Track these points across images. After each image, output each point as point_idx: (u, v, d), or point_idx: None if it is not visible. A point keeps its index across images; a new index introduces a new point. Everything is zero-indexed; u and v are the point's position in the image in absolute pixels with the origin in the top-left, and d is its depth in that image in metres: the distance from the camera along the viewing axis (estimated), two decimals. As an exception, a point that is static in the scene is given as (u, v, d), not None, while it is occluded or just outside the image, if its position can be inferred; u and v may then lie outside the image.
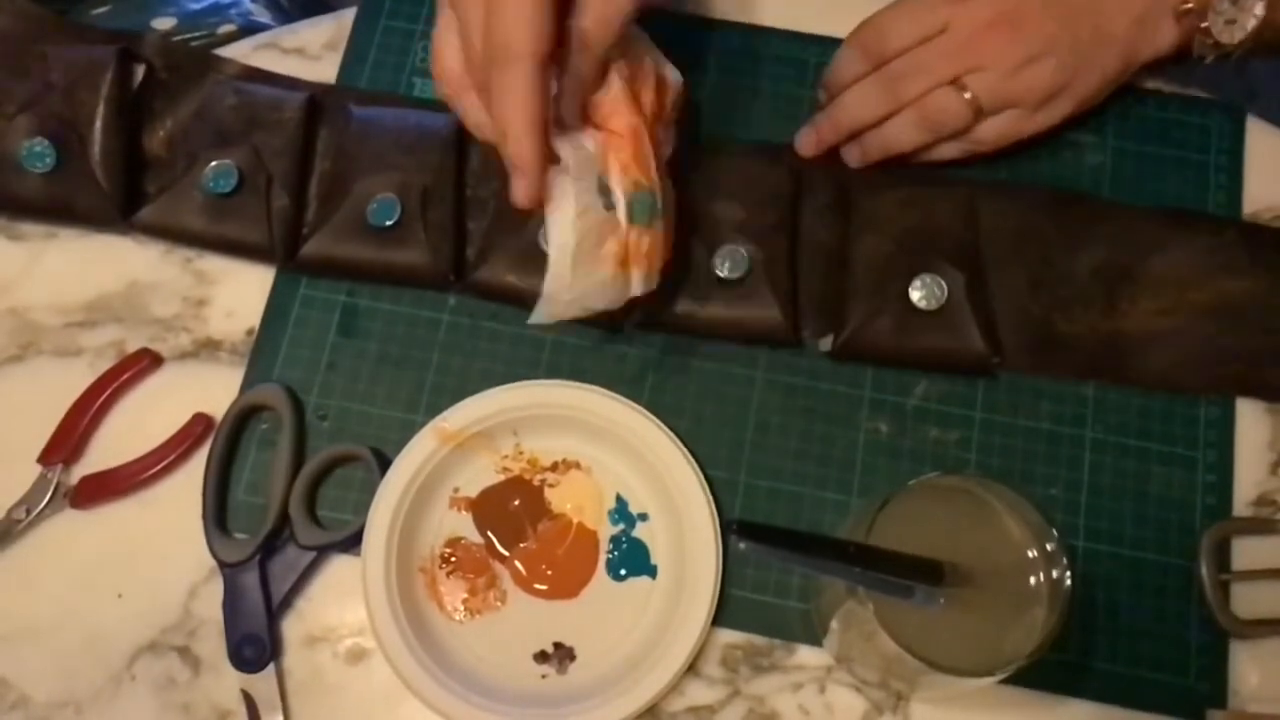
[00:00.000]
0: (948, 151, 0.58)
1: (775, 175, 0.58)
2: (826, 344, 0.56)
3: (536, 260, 0.56)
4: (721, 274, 0.55)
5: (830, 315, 0.56)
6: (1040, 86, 0.55)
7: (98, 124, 0.57)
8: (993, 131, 0.57)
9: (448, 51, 0.47)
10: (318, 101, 0.60)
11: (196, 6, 0.62)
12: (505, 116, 0.43)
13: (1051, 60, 0.54)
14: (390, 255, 0.57)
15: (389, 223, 0.57)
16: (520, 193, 0.45)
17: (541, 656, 0.52)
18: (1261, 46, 0.56)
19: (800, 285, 0.57)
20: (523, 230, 0.56)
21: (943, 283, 0.55)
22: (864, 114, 0.57)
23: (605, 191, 0.47)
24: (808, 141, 0.59)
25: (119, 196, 0.58)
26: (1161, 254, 0.57)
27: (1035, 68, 0.54)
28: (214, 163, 0.57)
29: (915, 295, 0.55)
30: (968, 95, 0.54)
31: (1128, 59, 0.56)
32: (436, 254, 0.57)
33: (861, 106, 0.57)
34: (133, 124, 0.59)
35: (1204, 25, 0.55)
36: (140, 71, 0.60)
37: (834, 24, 0.61)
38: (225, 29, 0.62)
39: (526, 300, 0.56)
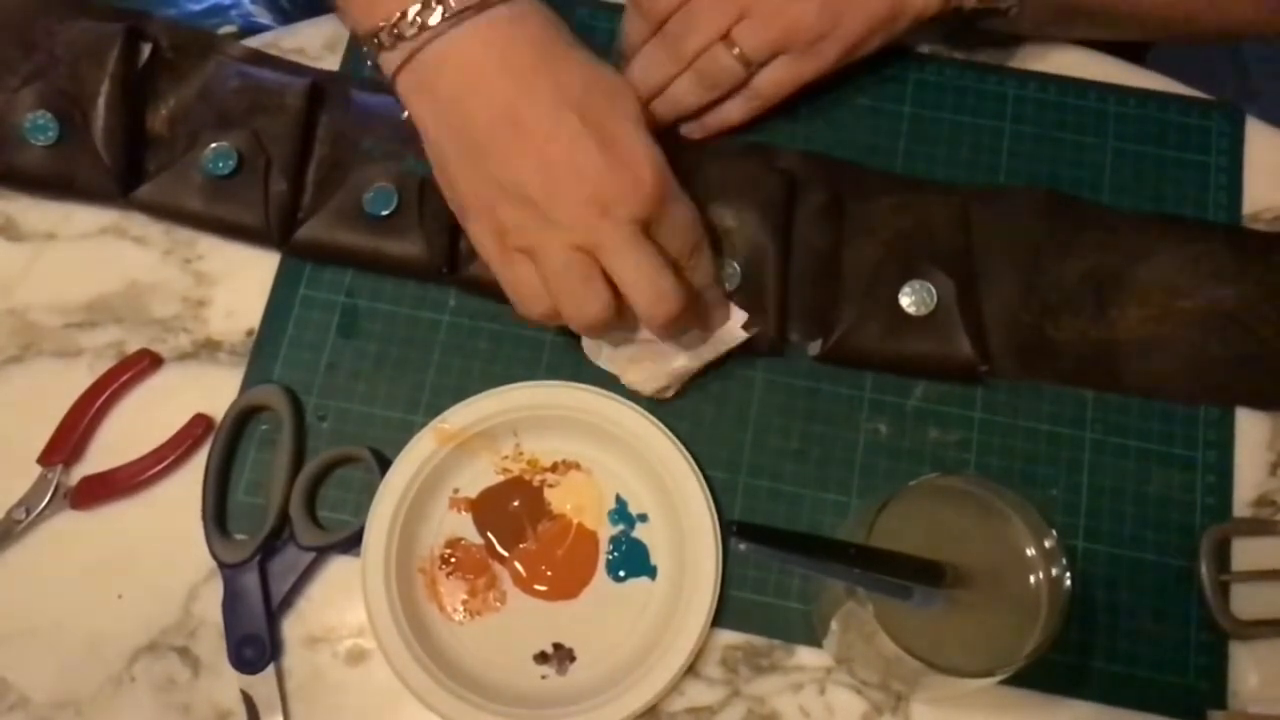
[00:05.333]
0: (734, 110, 0.58)
1: (770, 178, 0.58)
2: (815, 348, 0.56)
3: None
4: None
5: (820, 319, 0.56)
6: (805, 27, 0.54)
7: (101, 100, 0.57)
8: (768, 82, 0.56)
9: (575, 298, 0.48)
10: (320, 87, 0.60)
11: (197, 8, 0.63)
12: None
13: (814, 1, 0.54)
14: (384, 244, 0.57)
15: (385, 212, 0.57)
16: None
17: (541, 657, 0.52)
18: (1039, 9, 0.56)
19: (791, 290, 0.57)
20: None
21: (932, 289, 0.55)
22: (652, 79, 0.57)
23: None
24: None
25: (119, 172, 0.58)
26: (1151, 261, 0.57)
27: (797, 8, 0.54)
28: (214, 144, 0.58)
29: (905, 301, 0.55)
30: (736, 51, 0.54)
31: (894, 6, 0.55)
32: (431, 246, 0.57)
33: (648, 71, 0.57)
34: (136, 102, 0.59)
35: None
36: (146, 50, 0.60)
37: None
38: (226, 30, 0.62)
39: None
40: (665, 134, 0.58)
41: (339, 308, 0.58)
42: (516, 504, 0.54)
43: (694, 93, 0.57)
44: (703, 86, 0.56)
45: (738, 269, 0.55)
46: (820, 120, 0.61)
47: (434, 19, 0.48)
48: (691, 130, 0.59)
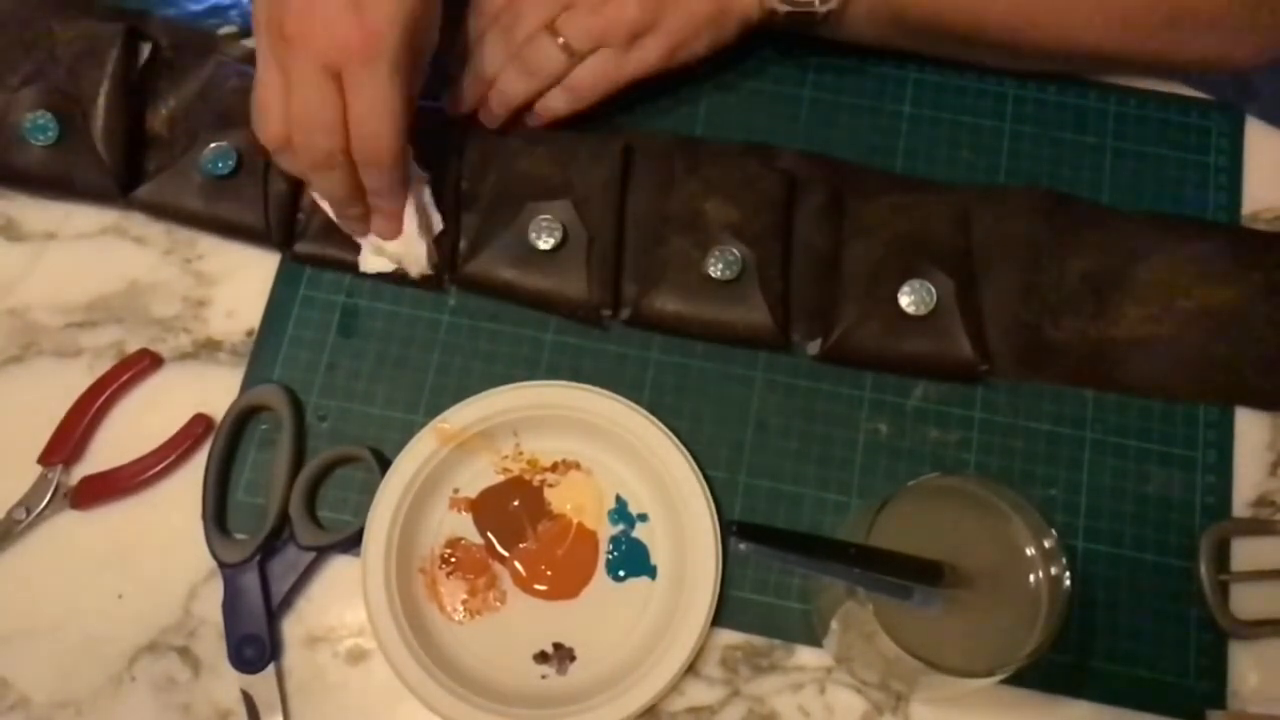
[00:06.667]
0: (556, 102, 0.57)
1: (770, 177, 0.58)
2: (814, 347, 0.56)
3: (526, 254, 0.56)
4: (714, 275, 0.55)
5: (820, 318, 0.56)
6: (625, 20, 0.54)
7: (101, 100, 0.57)
8: (588, 75, 0.56)
9: (309, 120, 0.49)
10: None
11: (197, 8, 0.63)
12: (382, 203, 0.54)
13: None
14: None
15: None
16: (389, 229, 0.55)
17: (541, 657, 0.52)
18: (869, 19, 0.56)
19: (791, 290, 0.57)
20: (513, 225, 0.57)
21: (932, 288, 0.55)
22: (487, 69, 0.57)
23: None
24: (452, 101, 0.59)
25: (119, 172, 0.58)
26: (1150, 261, 0.57)
27: (618, 1, 0.54)
28: (213, 144, 0.58)
29: (904, 300, 0.55)
30: (560, 40, 0.55)
31: (718, 6, 0.55)
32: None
33: (483, 62, 0.57)
34: (136, 101, 0.59)
35: None
36: (146, 50, 0.60)
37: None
38: (226, 30, 0.62)
39: (517, 294, 0.57)
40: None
41: (339, 308, 0.58)
42: (516, 504, 0.54)
43: (519, 81, 0.57)
44: (526, 74, 0.56)
45: (739, 256, 0.55)
46: (820, 120, 0.61)
47: None
48: (529, 120, 0.59)
